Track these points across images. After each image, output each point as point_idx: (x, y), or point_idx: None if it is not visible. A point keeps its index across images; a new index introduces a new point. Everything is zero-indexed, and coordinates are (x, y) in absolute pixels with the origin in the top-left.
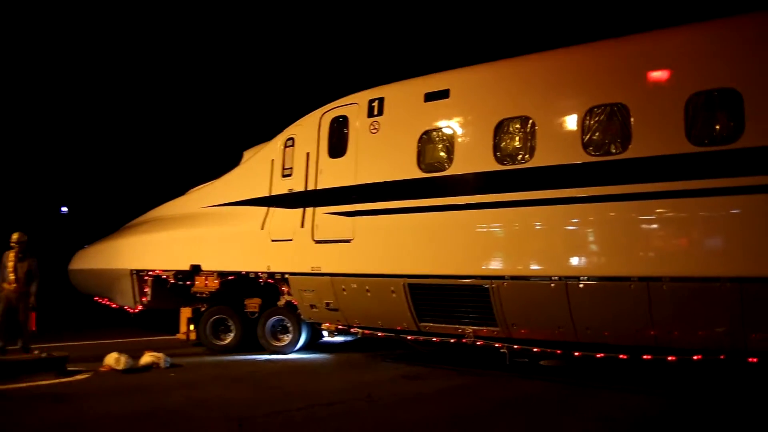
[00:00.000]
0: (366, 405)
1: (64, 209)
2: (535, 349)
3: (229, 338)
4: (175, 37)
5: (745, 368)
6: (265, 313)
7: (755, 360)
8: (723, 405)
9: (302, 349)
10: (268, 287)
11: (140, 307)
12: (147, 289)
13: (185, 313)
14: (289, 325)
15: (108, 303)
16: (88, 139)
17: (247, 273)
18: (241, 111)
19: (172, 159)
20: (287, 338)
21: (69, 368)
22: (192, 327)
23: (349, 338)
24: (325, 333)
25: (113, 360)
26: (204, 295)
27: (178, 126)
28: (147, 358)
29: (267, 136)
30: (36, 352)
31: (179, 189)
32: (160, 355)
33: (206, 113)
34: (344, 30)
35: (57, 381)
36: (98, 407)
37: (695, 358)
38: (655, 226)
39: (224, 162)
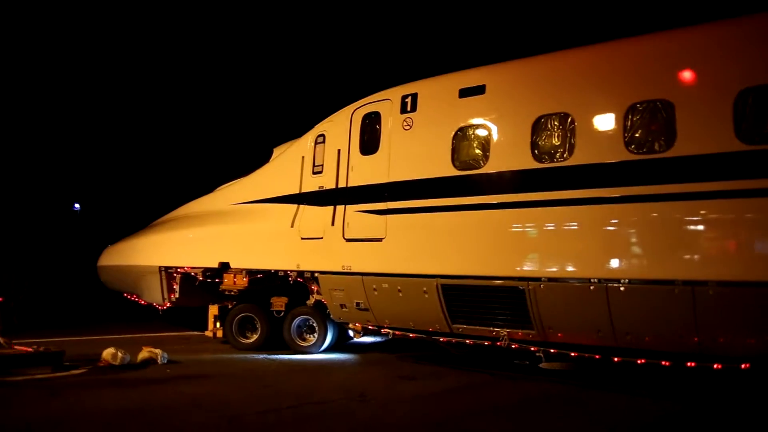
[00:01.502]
0: (358, 404)
1: (77, 206)
2: (572, 354)
3: (255, 337)
4: (193, 31)
5: None
6: (292, 312)
7: None
8: (732, 411)
9: (329, 350)
10: (295, 286)
11: (168, 304)
12: (175, 286)
13: (213, 310)
14: (315, 324)
15: (137, 299)
16: (100, 136)
17: (276, 271)
18: (260, 109)
19: (185, 156)
20: (313, 338)
21: (66, 363)
22: (218, 325)
23: (378, 339)
24: (351, 333)
25: (110, 355)
26: (232, 293)
27: (193, 123)
28: (144, 353)
29: (288, 133)
30: (34, 346)
31: (193, 186)
32: (157, 350)
33: (222, 110)
34: (372, 27)
35: (52, 375)
36: (90, 402)
37: (743, 366)
38: (700, 227)
39: (240, 160)
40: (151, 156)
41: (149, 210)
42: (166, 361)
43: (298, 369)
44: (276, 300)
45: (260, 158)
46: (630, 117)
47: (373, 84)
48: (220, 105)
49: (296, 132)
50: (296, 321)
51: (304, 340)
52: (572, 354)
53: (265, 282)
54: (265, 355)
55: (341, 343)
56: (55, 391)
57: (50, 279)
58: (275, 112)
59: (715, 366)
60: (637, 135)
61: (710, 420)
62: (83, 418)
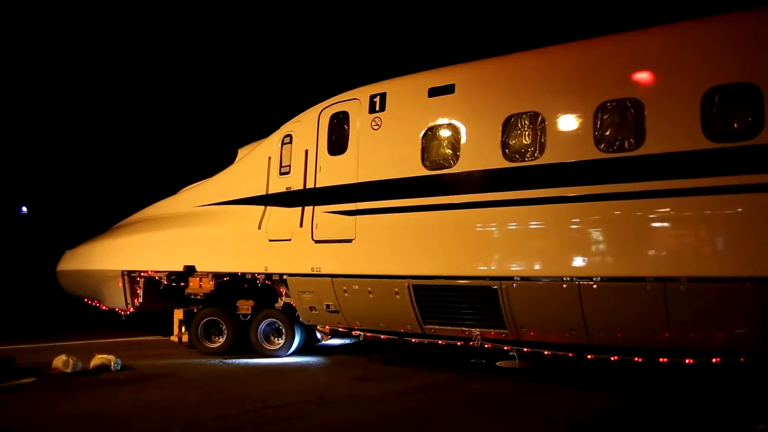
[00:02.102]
0: (316, 407)
1: (24, 209)
2: (546, 352)
3: (221, 341)
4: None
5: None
6: (258, 315)
7: None
8: (683, 405)
9: (297, 353)
10: (262, 289)
11: (132, 309)
12: (139, 291)
13: (177, 315)
14: (282, 327)
15: (98, 305)
16: (48, 138)
17: (244, 274)
18: (220, 109)
19: (137, 158)
20: (280, 341)
21: (16, 371)
22: (184, 329)
23: (347, 341)
24: (319, 335)
25: (61, 362)
26: (198, 297)
27: (147, 124)
28: (97, 360)
29: (253, 133)
30: None
31: (147, 189)
32: (110, 357)
33: (179, 111)
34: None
35: (1, 385)
36: (41, 411)
37: (714, 360)
38: (670, 224)
39: (195, 161)
40: (100, 158)
41: (101, 213)
42: (119, 368)
43: (256, 373)
44: (242, 303)
45: (223, 159)
46: (600, 116)
47: (338, 84)
48: (177, 105)
49: (260, 133)
50: (263, 324)
51: (271, 343)
52: (546, 352)
53: (232, 285)
54: (220, 360)
55: (309, 346)
56: (3, 400)
57: None
58: (237, 113)
59: (687, 361)
60: (607, 134)
61: (658, 414)
62: (33, 428)
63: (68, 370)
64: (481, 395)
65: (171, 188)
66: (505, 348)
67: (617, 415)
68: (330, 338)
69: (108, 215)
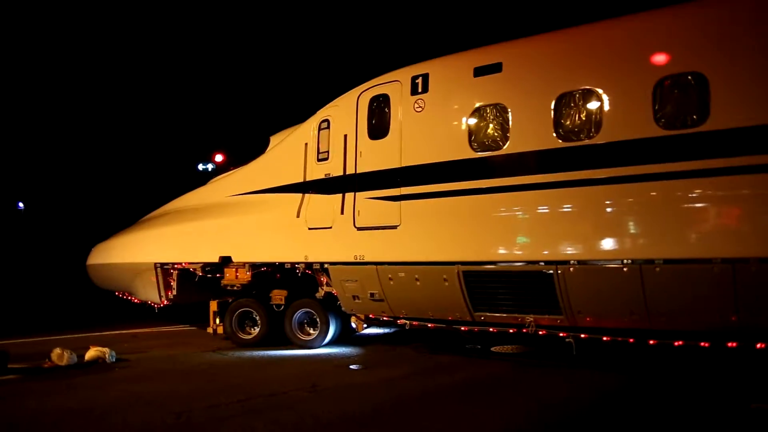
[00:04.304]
0: (308, 395)
1: (21, 205)
2: (604, 338)
3: (255, 332)
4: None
5: None
6: (292, 305)
7: None
8: (685, 383)
9: (332, 343)
10: (294, 279)
11: (165, 302)
12: (172, 283)
13: (212, 306)
14: (317, 317)
15: (129, 298)
16: (45, 133)
17: (282, 264)
18: (198, 109)
19: (135, 153)
20: (315, 331)
21: (11, 366)
22: (218, 321)
23: (385, 330)
24: (354, 325)
25: (56, 356)
26: (235, 288)
27: (138, 121)
28: (92, 353)
29: (232, 127)
30: None
31: (143, 185)
32: (105, 349)
33: (168, 106)
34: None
35: None
36: (35, 403)
37: None
38: (740, 203)
39: (193, 157)
40: (97, 153)
41: (98, 208)
42: (114, 360)
43: (252, 363)
44: (276, 293)
45: (238, 150)
46: (660, 91)
47: (355, 72)
48: (171, 101)
49: (253, 124)
50: (297, 314)
51: (306, 333)
52: (604, 338)
53: (269, 275)
54: (217, 352)
55: (346, 336)
56: (0, 393)
57: None
58: (221, 109)
59: (758, 346)
60: (667, 110)
61: (652, 395)
62: (28, 420)
63: (63, 363)
64: (475, 380)
65: (169, 183)
66: (561, 335)
67: (610, 397)
68: (366, 328)
69: (105, 210)
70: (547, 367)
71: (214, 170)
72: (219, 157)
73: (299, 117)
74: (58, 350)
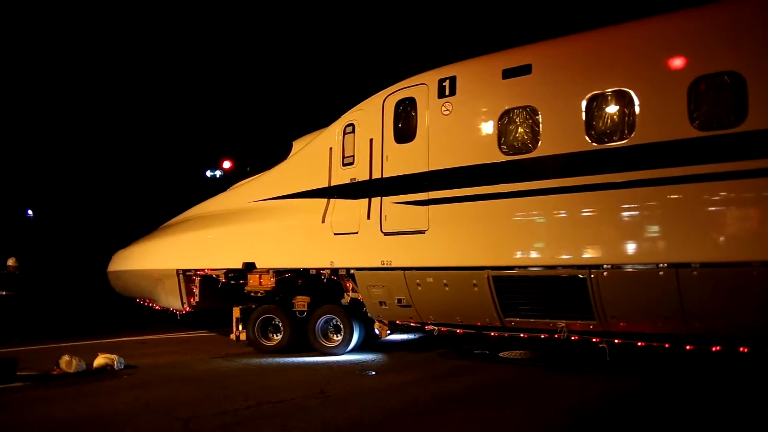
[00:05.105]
0: (317, 401)
1: (30, 212)
2: (639, 343)
3: (278, 338)
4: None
5: None
6: (315, 311)
7: None
8: (699, 388)
9: (356, 350)
10: (317, 285)
11: (188, 309)
12: (195, 290)
13: (235, 313)
14: (340, 324)
15: (151, 304)
16: (53, 141)
17: (307, 270)
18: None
19: (140, 162)
20: (338, 338)
21: (19, 373)
22: (241, 327)
23: (411, 336)
24: (377, 331)
25: (64, 363)
26: (259, 294)
27: (146, 128)
28: (100, 360)
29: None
30: None
31: (151, 192)
32: (113, 356)
33: (175, 114)
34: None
35: (5, 386)
36: (43, 411)
37: None
38: None
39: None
40: (106, 160)
41: (106, 216)
42: (122, 367)
43: (259, 369)
44: (299, 299)
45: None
46: (695, 91)
47: (364, 76)
48: (178, 108)
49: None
50: (320, 321)
51: (330, 340)
52: (639, 343)
53: (294, 281)
54: (225, 358)
55: (370, 342)
56: (4, 401)
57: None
58: (227, 115)
59: None
60: (703, 111)
61: (663, 399)
62: (35, 428)
63: (71, 371)
64: (484, 385)
65: (178, 190)
66: (594, 340)
67: (621, 402)
68: (389, 334)
69: (114, 217)
70: (556, 372)
71: (222, 176)
72: (227, 164)
73: (308, 121)
74: (66, 357)
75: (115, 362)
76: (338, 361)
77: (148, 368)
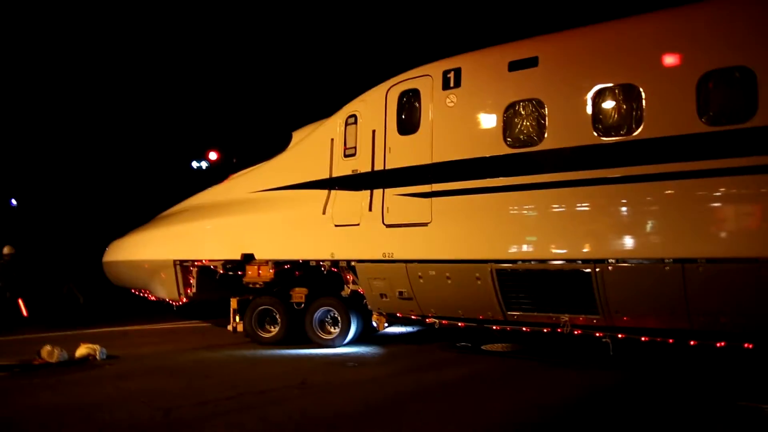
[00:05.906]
0: (298, 392)
1: (14, 202)
2: (643, 338)
3: (275, 330)
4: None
5: None
6: (313, 304)
7: None
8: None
9: (353, 342)
10: (315, 277)
11: (185, 300)
12: (192, 281)
13: (233, 304)
14: (337, 316)
15: (146, 295)
16: (37, 130)
17: (307, 261)
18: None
19: (125, 152)
20: (336, 330)
21: (0, 363)
22: (238, 319)
23: (409, 329)
24: (375, 324)
25: (46, 353)
26: (258, 286)
27: (131, 119)
28: (82, 350)
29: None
30: None
31: (137, 182)
32: (95, 346)
33: (159, 105)
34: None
35: None
36: (24, 401)
37: None
38: None
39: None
40: (90, 150)
41: (91, 205)
42: (104, 357)
43: (243, 360)
44: (296, 291)
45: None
46: (704, 86)
47: (357, 70)
48: (162, 99)
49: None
50: (318, 313)
51: (327, 332)
52: (643, 338)
53: (292, 273)
54: (209, 349)
55: (367, 335)
56: None
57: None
58: (218, 105)
59: None
60: (712, 105)
61: (637, 391)
62: (17, 418)
63: (53, 360)
64: (465, 378)
65: (163, 181)
66: (597, 335)
67: (599, 395)
68: (387, 327)
69: (99, 207)
70: (538, 364)
71: (208, 168)
72: (213, 155)
73: (298, 112)
74: (48, 347)
75: (98, 352)
76: (322, 354)
77: (131, 358)
